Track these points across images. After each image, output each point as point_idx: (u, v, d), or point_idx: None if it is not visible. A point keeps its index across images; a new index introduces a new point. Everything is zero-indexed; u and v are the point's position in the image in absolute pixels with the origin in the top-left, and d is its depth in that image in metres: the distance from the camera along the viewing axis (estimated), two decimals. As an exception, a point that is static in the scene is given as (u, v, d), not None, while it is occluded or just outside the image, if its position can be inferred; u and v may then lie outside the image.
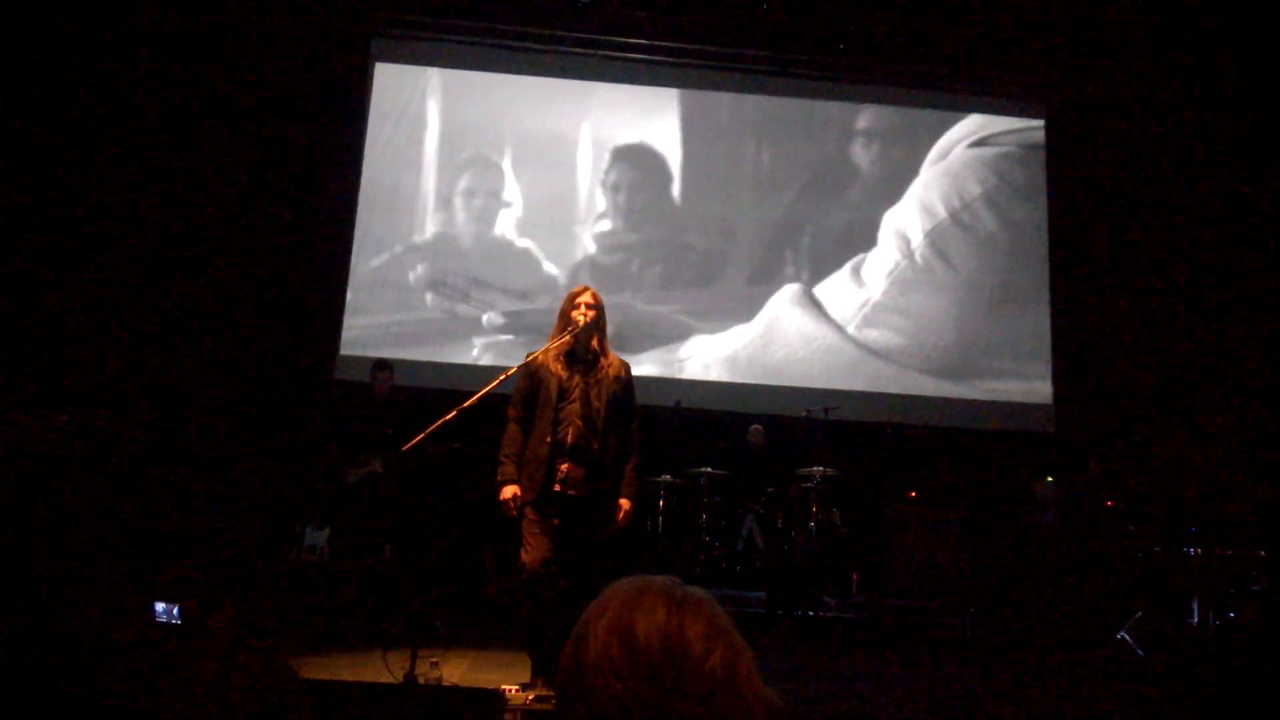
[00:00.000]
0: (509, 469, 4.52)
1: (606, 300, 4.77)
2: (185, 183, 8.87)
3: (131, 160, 8.72)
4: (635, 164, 9.71)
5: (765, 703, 0.97)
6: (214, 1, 9.01)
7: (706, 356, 9.34)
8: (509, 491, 4.47)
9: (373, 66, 9.70)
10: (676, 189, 9.66)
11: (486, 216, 9.49)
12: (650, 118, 9.79)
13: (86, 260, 8.44)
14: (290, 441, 8.39)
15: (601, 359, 4.60)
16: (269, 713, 1.66)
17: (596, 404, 4.50)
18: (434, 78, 9.72)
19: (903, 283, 9.61)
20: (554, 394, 4.49)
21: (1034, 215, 9.86)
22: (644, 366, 8.95)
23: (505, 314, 9.26)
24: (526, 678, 4.50)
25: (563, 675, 0.99)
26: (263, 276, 8.97)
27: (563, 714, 0.97)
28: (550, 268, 9.41)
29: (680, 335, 9.35)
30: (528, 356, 4.63)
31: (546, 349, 4.55)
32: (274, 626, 5.60)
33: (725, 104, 9.92)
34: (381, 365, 7.75)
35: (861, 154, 9.91)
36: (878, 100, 10.03)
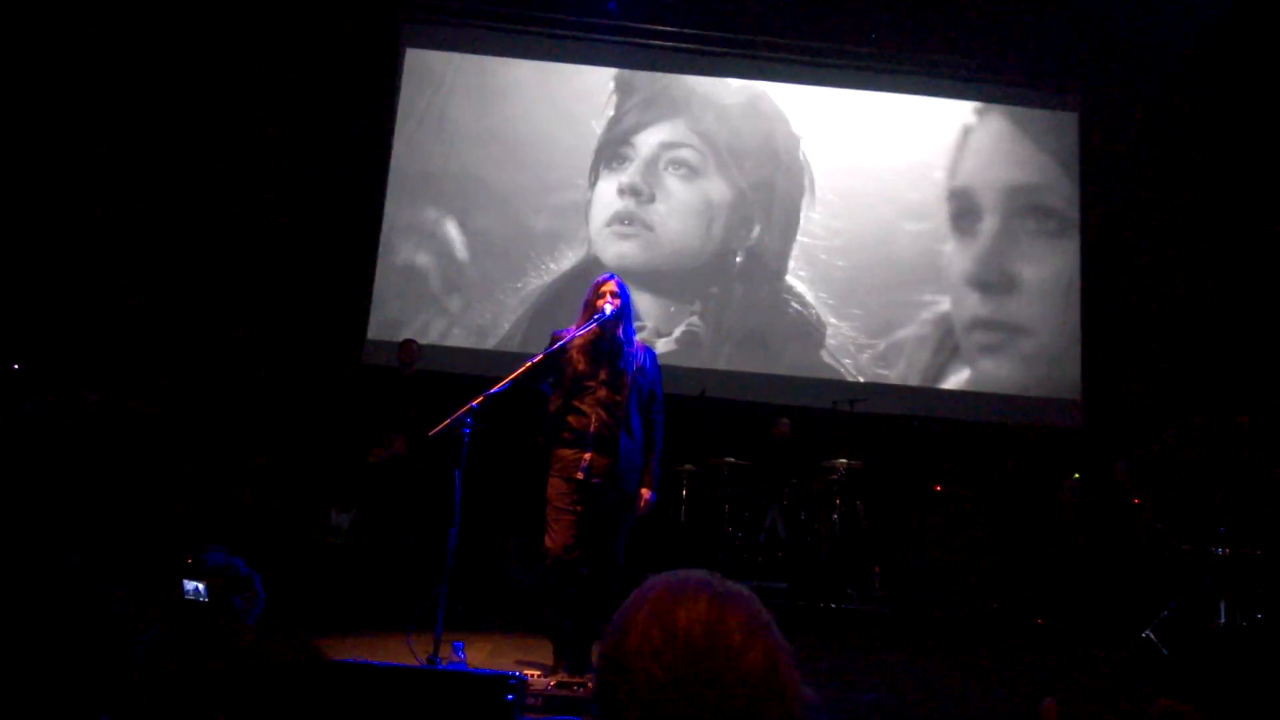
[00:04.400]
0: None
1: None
2: (216, 168, 8.94)
3: (162, 145, 8.80)
4: (669, 153, 9.68)
5: (802, 700, 0.98)
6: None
7: (730, 345, 9.32)
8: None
9: (403, 52, 9.71)
10: (706, 178, 9.61)
11: (514, 202, 9.47)
12: (681, 106, 9.76)
13: (116, 244, 8.54)
14: (316, 424, 8.44)
15: (626, 347, 4.60)
16: (296, 693, 1.67)
17: (620, 393, 4.50)
18: (464, 64, 9.71)
19: (931, 275, 9.55)
20: (570, 377, 4.51)
21: (1065, 208, 9.77)
22: (668, 355, 9.00)
23: (529, 301, 9.27)
24: (549, 662, 4.53)
25: (603, 660, 1.00)
26: (291, 260, 9.02)
27: (602, 699, 0.99)
28: (574, 256, 9.39)
29: (705, 324, 9.34)
30: (553, 336, 4.63)
31: (572, 337, 4.55)
32: (299, 608, 5.65)
33: (755, 93, 9.85)
34: (407, 345, 7.78)
35: (891, 145, 9.82)
36: (908, 90, 9.94)
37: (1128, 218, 9.54)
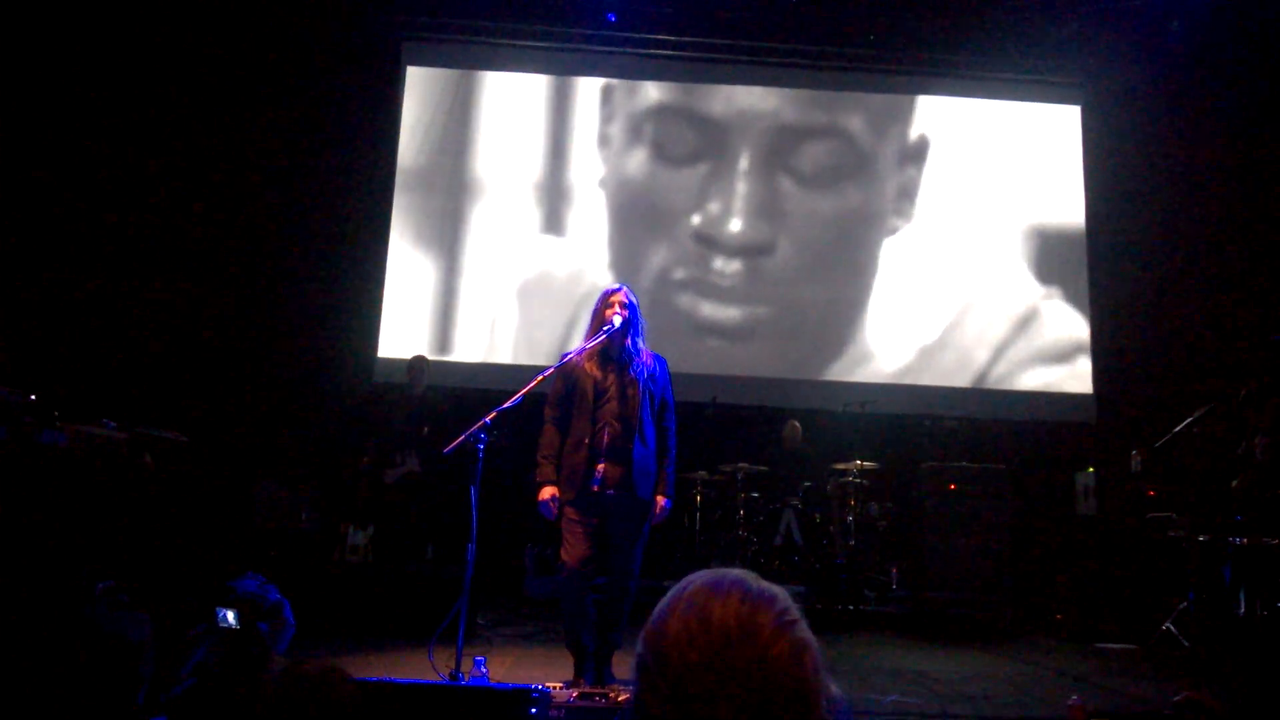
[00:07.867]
0: (548, 470, 4.57)
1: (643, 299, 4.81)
2: (224, 190, 9.01)
3: (170, 166, 8.88)
4: (672, 159, 9.71)
5: (827, 694, 1.08)
6: (249, 6, 9.12)
7: (742, 351, 9.34)
8: (548, 492, 4.52)
9: (404, 71, 9.77)
10: (711, 181, 9.63)
11: (520, 218, 9.51)
12: (685, 114, 9.79)
13: (124, 264, 8.60)
14: (333, 442, 8.49)
15: (636, 357, 4.63)
16: (325, 712, 1.70)
17: (632, 403, 4.53)
18: (465, 81, 9.77)
19: (941, 272, 9.55)
20: (590, 395, 4.53)
21: (1072, 203, 9.76)
22: (678, 362, 8.99)
23: (542, 314, 9.31)
24: (569, 675, 4.55)
25: (644, 643, 1.09)
26: (301, 280, 9.08)
27: (641, 684, 1.07)
28: (584, 265, 9.42)
29: (716, 330, 9.37)
30: (563, 357, 4.67)
31: (581, 349, 4.58)
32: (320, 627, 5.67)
33: (758, 97, 9.87)
34: (417, 361, 7.76)
35: (897, 143, 9.85)
36: (910, 90, 9.95)
37: (1136, 210, 9.52)
